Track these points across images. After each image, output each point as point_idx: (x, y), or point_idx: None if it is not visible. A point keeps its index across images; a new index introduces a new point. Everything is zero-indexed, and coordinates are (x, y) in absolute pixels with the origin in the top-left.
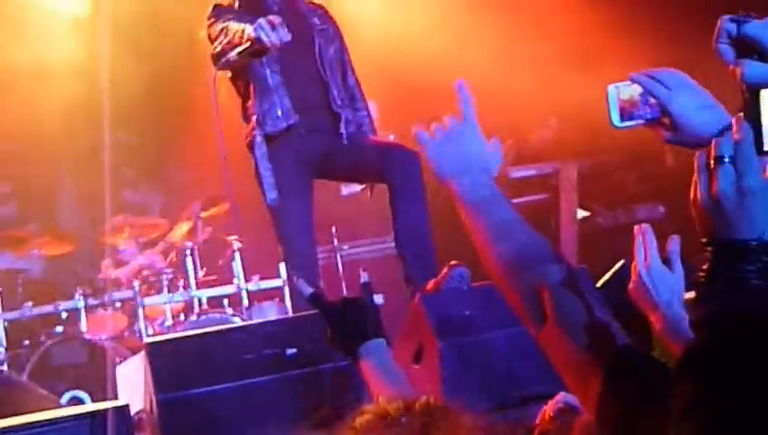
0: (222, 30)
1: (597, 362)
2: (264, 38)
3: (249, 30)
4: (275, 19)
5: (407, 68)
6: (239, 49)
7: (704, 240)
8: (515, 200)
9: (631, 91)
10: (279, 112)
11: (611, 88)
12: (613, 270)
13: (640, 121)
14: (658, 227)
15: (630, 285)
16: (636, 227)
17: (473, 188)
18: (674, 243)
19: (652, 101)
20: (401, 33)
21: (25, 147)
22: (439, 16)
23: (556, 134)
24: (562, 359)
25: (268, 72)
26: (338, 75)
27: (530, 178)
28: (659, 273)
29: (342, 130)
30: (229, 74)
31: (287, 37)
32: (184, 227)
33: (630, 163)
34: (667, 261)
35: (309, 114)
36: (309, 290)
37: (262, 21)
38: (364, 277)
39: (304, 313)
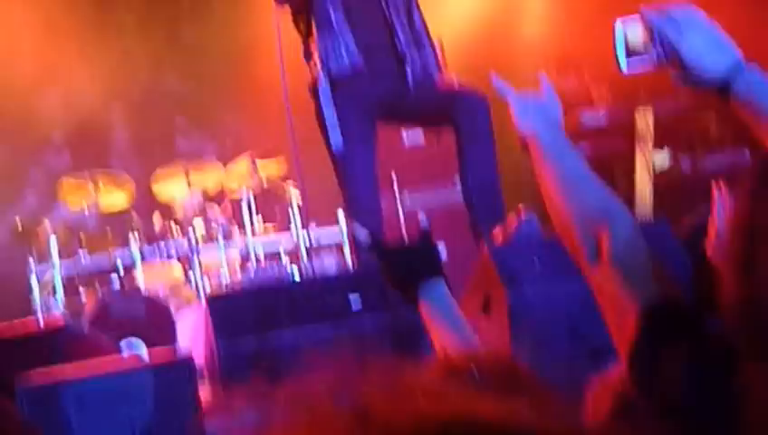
0: None
1: (637, 305)
2: None
3: None
4: None
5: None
6: None
7: None
8: (588, 147)
9: (641, 28)
10: (343, 51)
11: (619, 25)
12: (696, 222)
13: (650, 61)
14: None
15: (707, 245)
16: (714, 183)
17: (552, 140)
18: None
19: (663, 39)
20: None
21: (77, 92)
22: None
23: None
24: (608, 298)
25: (331, 8)
26: (403, 14)
27: (603, 123)
28: None
29: (408, 72)
30: (290, 12)
31: None
32: (239, 172)
33: (710, 104)
34: None
35: (373, 56)
36: (363, 232)
37: None
38: (423, 222)
39: (366, 265)
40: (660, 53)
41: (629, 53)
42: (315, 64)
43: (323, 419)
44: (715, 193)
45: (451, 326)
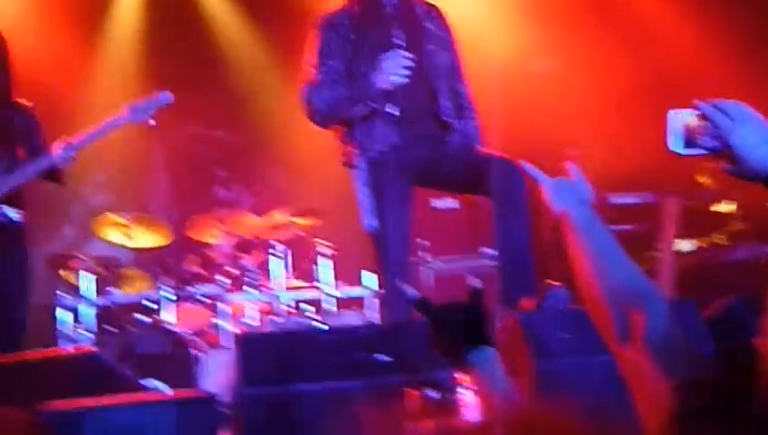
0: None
1: (669, 384)
2: None
3: None
4: None
5: (510, 82)
6: None
7: None
8: (613, 227)
9: (694, 119)
10: (381, 137)
11: (672, 114)
12: (720, 308)
13: (701, 151)
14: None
15: (762, 339)
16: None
17: (585, 218)
18: None
19: (714, 131)
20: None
21: (127, 136)
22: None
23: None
24: (639, 377)
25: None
26: (447, 82)
27: (631, 205)
28: None
29: (449, 139)
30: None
31: None
32: (272, 225)
33: (735, 197)
34: None
35: (416, 122)
36: (415, 293)
37: None
38: (475, 283)
39: (397, 320)
40: (711, 145)
41: (683, 142)
42: (352, 145)
43: None
44: None
45: (500, 394)
